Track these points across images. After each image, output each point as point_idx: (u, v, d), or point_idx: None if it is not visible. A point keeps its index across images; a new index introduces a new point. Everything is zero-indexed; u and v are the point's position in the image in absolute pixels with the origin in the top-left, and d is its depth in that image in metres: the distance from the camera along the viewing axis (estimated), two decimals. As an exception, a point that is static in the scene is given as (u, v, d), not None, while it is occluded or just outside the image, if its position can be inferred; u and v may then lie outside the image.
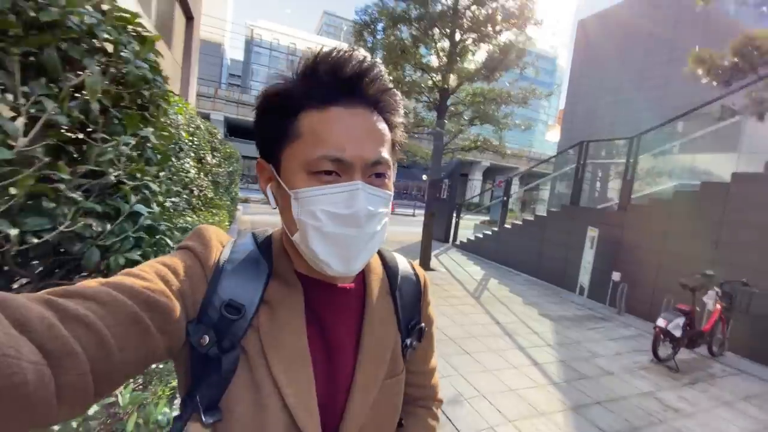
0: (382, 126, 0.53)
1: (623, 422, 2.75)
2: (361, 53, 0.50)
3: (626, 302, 5.46)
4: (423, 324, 0.66)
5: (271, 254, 0.56)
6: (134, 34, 1.19)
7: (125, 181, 1.12)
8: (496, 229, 8.96)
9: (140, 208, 1.15)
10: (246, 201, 15.44)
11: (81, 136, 1.00)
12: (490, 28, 6.47)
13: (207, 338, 0.47)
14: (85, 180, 1.02)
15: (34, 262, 1.06)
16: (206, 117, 22.50)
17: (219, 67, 64.53)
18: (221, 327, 0.48)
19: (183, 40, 8.45)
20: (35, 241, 0.93)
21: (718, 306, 4.13)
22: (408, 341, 0.63)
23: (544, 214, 7.62)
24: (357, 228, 0.50)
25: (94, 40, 1.00)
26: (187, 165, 3.52)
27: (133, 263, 1.12)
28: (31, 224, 0.91)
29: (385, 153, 0.52)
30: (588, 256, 5.96)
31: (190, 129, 3.92)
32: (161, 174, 1.45)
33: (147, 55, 1.17)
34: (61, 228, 0.95)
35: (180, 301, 0.46)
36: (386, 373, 0.58)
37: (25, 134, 0.84)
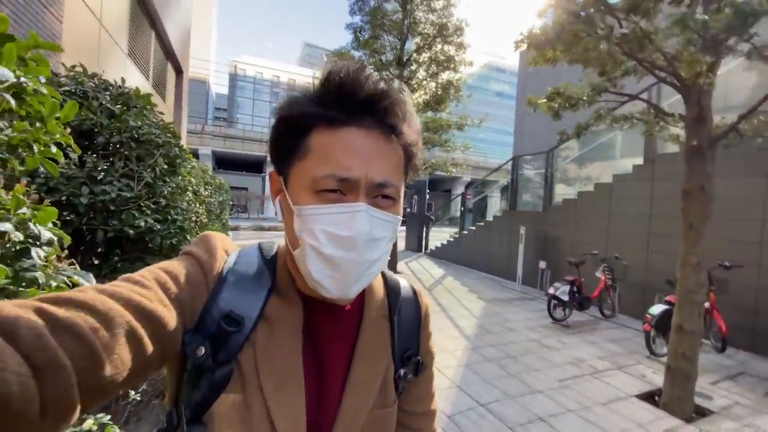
0: (394, 148, 0.51)
1: (503, 353, 3.93)
2: (376, 75, 0.50)
3: (549, 284, 6.69)
4: (420, 357, 0.63)
5: (275, 268, 0.56)
6: (168, 129, 2.42)
7: (170, 203, 2.33)
8: (457, 235, 10.22)
9: (177, 218, 2.37)
10: (236, 228, 16.56)
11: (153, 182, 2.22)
12: (431, 70, 7.94)
13: (203, 349, 0.46)
14: (154, 204, 2.23)
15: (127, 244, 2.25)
16: (195, 153, 23.70)
17: (205, 102, 66.42)
18: (218, 339, 0.47)
19: (174, 91, 9.79)
20: (131, 232, 2.13)
21: (603, 277, 5.37)
22: (402, 372, 0.60)
23: (492, 219, 8.92)
24: (355, 252, 0.48)
25: (158, 139, 2.23)
26: (188, 197, 4.73)
27: (173, 246, 2.31)
28: (128, 222, 2.11)
29: (394, 176, 0.51)
30: (521, 250, 7.21)
31: (187, 168, 5.15)
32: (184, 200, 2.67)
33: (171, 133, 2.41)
34: (144, 226, 2.15)
35: (178, 309, 0.46)
36: (376, 403, 0.56)
37: (136, 188, 2.05)
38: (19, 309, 0.32)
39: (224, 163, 33.65)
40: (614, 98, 4.12)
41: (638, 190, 5.61)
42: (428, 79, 8.13)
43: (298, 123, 0.51)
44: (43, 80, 1.03)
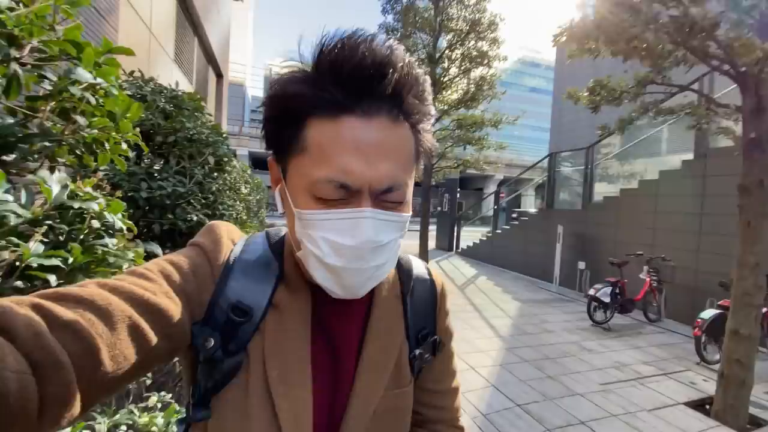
0: (403, 136, 0.46)
1: (540, 354, 3.84)
2: (382, 41, 0.43)
3: (589, 285, 6.43)
4: (437, 336, 0.61)
5: (283, 256, 0.54)
6: (217, 130, 2.56)
7: (218, 199, 2.47)
8: (490, 234, 10.03)
9: (225, 212, 2.49)
10: (272, 226, 17.07)
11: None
12: (463, 67, 7.85)
13: (212, 341, 0.45)
14: (204, 200, 2.36)
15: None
16: (233, 153, 24.67)
17: (242, 105, 68.93)
18: (227, 329, 0.46)
19: (215, 94, 10.25)
20: (183, 225, 2.26)
21: (648, 279, 5.10)
22: (417, 352, 0.58)
23: (527, 218, 8.68)
24: (360, 261, 0.45)
25: (208, 139, 2.36)
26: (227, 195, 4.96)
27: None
28: (181, 216, 2.24)
29: (402, 173, 0.46)
30: (558, 250, 6.97)
31: (231, 167, 5.40)
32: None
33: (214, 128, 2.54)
34: (195, 220, 2.28)
35: (184, 301, 0.45)
36: (390, 384, 0.55)
37: (188, 184, 2.19)
38: (18, 306, 0.32)
39: (260, 163, 34.81)
40: (661, 90, 3.91)
41: (688, 187, 5.28)
42: (461, 75, 8.03)
43: (292, 109, 0.45)
44: (115, 82, 1.13)
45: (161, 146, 2.12)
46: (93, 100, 0.98)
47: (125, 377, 0.37)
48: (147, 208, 2.10)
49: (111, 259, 1.01)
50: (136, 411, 1.14)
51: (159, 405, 1.21)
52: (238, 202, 6.11)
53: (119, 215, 1.11)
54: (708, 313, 3.75)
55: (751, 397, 2.79)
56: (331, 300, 0.51)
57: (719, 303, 3.87)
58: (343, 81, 0.42)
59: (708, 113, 3.74)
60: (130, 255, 1.16)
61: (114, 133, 1.16)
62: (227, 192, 2.58)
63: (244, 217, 6.50)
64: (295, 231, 0.48)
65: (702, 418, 2.82)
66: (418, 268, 0.64)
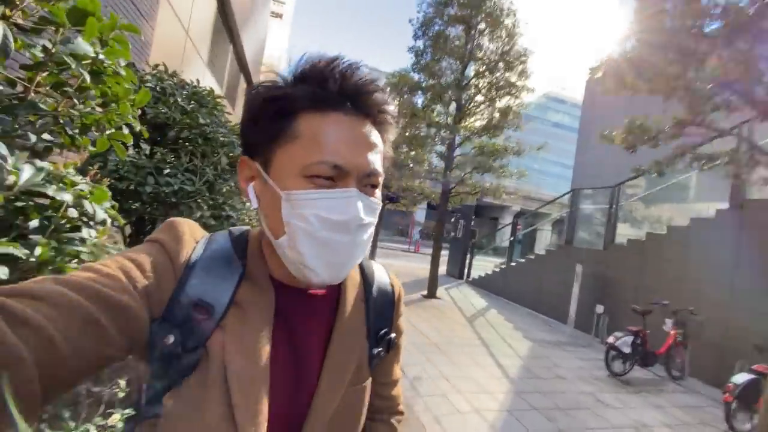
0: (378, 136, 0.53)
1: (551, 403, 3.53)
2: (366, 68, 0.51)
3: (606, 331, 6.05)
4: (393, 335, 0.65)
5: (246, 254, 0.55)
6: (234, 130, 2.48)
7: (226, 202, 2.36)
8: (504, 266, 9.72)
9: (231, 215, 2.39)
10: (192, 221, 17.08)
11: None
12: (490, 95, 7.79)
13: (172, 337, 0.45)
14: (212, 201, 2.26)
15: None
16: (254, 161, 25.11)
17: (268, 115, 70.78)
18: (187, 327, 0.47)
19: (244, 101, 10.46)
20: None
21: (672, 331, 4.75)
22: (376, 351, 0.62)
23: (544, 253, 8.37)
24: (348, 235, 0.49)
25: (224, 138, 2.28)
26: (237, 198, 4.90)
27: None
28: (186, 214, 2.14)
29: (380, 165, 0.53)
30: (575, 290, 6.64)
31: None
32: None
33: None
34: (202, 220, 2.18)
35: (144, 298, 0.45)
36: (351, 380, 0.57)
37: (197, 183, 2.09)
38: None
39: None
40: (699, 133, 3.72)
41: (721, 238, 4.98)
42: (487, 103, 7.96)
43: (282, 105, 0.50)
44: (123, 63, 1.04)
45: (175, 141, 2.04)
46: (88, 77, 0.88)
47: (84, 373, 0.38)
48: (153, 203, 2.01)
49: (85, 255, 0.88)
50: (93, 429, 0.99)
51: (121, 425, 1.05)
52: (249, 206, 6.06)
53: (104, 205, 0.99)
54: (741, 378, 3.41)
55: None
56: (295, 298, 0.56)
57: (753, 367, 3.52)
58: (332, 86, 0.49)
59: (751, 161, 3.52)
60: (112, 251, 1.04)
61: (114, 117, 1.05)
62: (237, 195, 2.48)
63: (255, 224, 6.43)
64: (282, 214, 0.49)
65: (734, 501, 2.48)
66: (380, 272, 0.68)
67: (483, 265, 11.85)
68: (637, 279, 6.00)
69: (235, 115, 9.26)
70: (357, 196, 0.50)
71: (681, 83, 3.24)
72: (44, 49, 0.80)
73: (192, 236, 0.53)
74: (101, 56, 0.93)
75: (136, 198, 1.89)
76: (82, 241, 0.84)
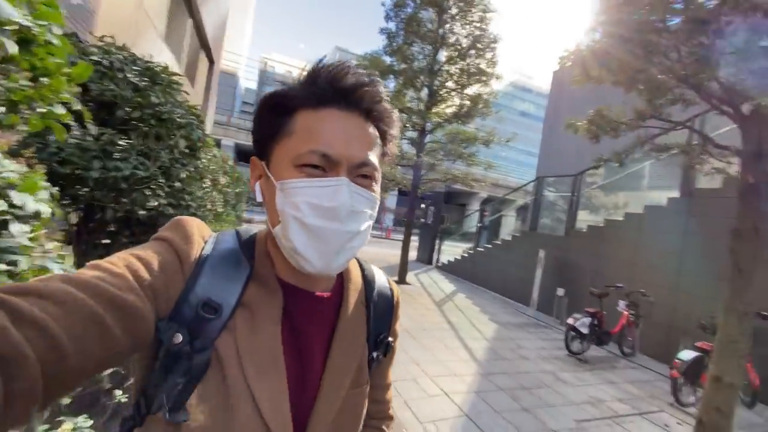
0: (373, 132, 0.54)
1: (516, 383, 3.68)
2: (361, 70, 0.53)
3: (566, 313, 6.37)
4: (390, 339, 0.67)
5: (253, 255, 0.56)
6: (192, 111, 2.31)
7: (185, 188, 2.21)
8: (471, 251, 9.95)
9: (191, 204, 2.24)
10: (250, 221, 16.60)
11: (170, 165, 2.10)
12: (461, 81, 7.78)
13: (180, 336, 0.45)
14: (168, 187, 2.11)
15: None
16: (217, 143, 24.00)
17: (233, 95, 67.81)
18: (195, 326, 0.47)
19: (205, 79, 9.88)
20: (141, 212, 2.00)
21: (625, 312, 5.06)
22: (374, 354, 0.63)
23: (509, 239, 8.64)
24: (338, 222, 0.50)
25: (180, 120, 2.11)
26: (206, 184, 4.65)
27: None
28: (139, 202, 1.98)
29: (373, 156, 0.53)
30: (538, 274, 6.92)
31: (208, 156, 5.09)
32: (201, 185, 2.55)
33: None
34: (155, 208, 2.03)
35: (151, 297, 0.45)
36: (352, 383, 0.58)
37: (151, 167, 1.94)
38: None
39: (246, 156, 34.06)
40: (657, 125, 3.88)
41: (671, 225, 5.30)
42: (458, 90, 7.97)
43: (283, 104, 0.53)
44: (57, 30, 0.91)
45: (125, 122, 1.86)
46: (14, 47, 0.75)
47: (88, 372, 0.38)
48: (100, 190, 1.84)
49: (22, 265, 0.77)
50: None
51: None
52: (215, 193, 5.79)
53: (40, 195, 0.87)
54: (686, 355, 3.69)
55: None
56: (301, 300, 0.56)
57: (697, 345, 3.82)
58: (333, 83, 0.52)
59: (703, 153, 3.73)
60: (49, 246, 0.92)
61: (48, 93, 0.93)
62: (198, 181, 2.34)
63: (220, 209, 6.17)
64: (276, 204, 0.51)
65: (677, 467, 2.70)
66: (380, 277, 0.70)
67: (452, 250, 12.08)
68: (595, 263, 6.32)
69: (196, 94, 8.74)
70: (346, 184, 0.50)
71: (642, 76, 3.34)
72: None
73: (200, 235, 0.54)
74: (27, 22, 0.80)
75: (83, 184, 1.72)
76: (10, 247, 0.72)
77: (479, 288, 8.85)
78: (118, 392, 1.50)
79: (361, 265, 0.69)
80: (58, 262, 0.89)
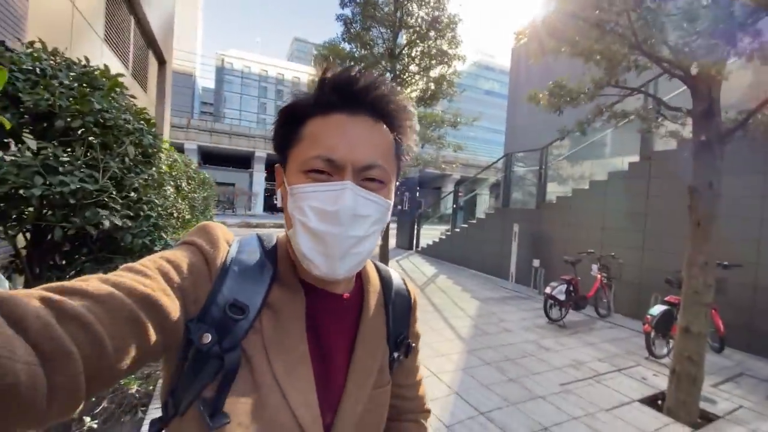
0: (383, 133, 0.54)
1: (501, 355, 3.79)
2: (374, 74, 0.54)
3: (543, 283, 6.59)
4: (410, 340, 0.68)
5: (276, 258, 0.58)
6: (141, 115, 2.18)
7: (142, 198, 2.09)
8: (449, 233, 10.08)
9: (151, 214, 2.13)
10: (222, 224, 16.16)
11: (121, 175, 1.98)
12: (423, 64, 7.74)
13: (209, 336, 0.46)
14: (123, 199, 1.99)
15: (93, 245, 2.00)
16: (179, 148, 23.08)
17: (191, 96, 65.03)
18: (223, 326, 0.48)
19: (156, 82, 9.38)
20: (94, 231, 1.88)
21: (598, 275, 5.28)
22: (395, 355, 0.65)
23: (484, 217, 8.80)
24: (340, 226, 0.50)
25: (128, 126, 1.98)
26: (168, 192, 4.45)
27: (145, 246, 2.07)
28: (91, 219, 1.86)
29: (381, 159, 0.53)
30: (514, 248, 7.10)
31: (168, 162, 4.86)
32: (158, 195, 2.42)
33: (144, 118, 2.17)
34: (115, 222, 1.91)
35: (180, 299, 0.46)
36: (374, 384, 0.59)
37: (101, 179, 1.81)
38: (26, 299, 0.33)
39: (211, 158, 32.94)
40: (614, 93, 3.99)
41: (634, 188, 5.53)
42: (421, 73, 7.93)
43: (295, 113, 0.55)
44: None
45: (65, 133, 1.72)
46: None
47: (125, 370, 0.39)
48: (46, 208, 1.71)
49: None
50: None
51: None
52: (180, 201, 5.55)
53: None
54: (656, 310, 3.89)
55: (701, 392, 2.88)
56: (323, 301, 0.58)
57: (666, 299, 4.03)
58: (339, 89, 0.52)
59: (655, 117, 3.87)
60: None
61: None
62: (155, 188, 2.22)
63: (188, 216, 5.94)
64: (288, 208, 0.54)
65: (656, 415, 2.86)
66: (397, 280, 0.71)
67: (430, 233, 12.20)
68: (567, 232, 6.53)
69: (149, 99, 8.30)
70: (350, 188, 0.50)
71: (597, 47, 3.40)
72: None
73: (225, 239, 0.56)
74: None
75: (22, 203, 1.59)
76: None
77: (459, 267, 9.01)
78: (87, 419, 1.42)
79: (377, 267, 0.70)
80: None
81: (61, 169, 1.66)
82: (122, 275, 0.43)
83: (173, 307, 0.44)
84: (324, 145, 0.51)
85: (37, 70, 1.79)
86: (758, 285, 4.19)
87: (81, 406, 0.35)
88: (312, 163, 0.51)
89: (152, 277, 0.45)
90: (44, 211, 1.72)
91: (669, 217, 5.02)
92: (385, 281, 0.68)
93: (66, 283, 0.38)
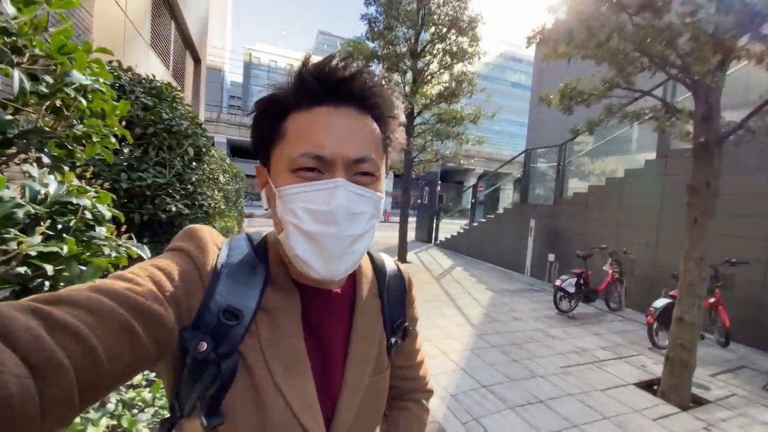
0: (370, 125, 0.53)
1: (507, 340, 4.08)
2: (350, 61, 0.51)
3: (558, 276, 6.76)
4: (407, 323, 0.69)
5: (267, 258, 0.57)
6: (195, 120, 2.59)
7: (197, 190, 2.52)
8: (467, 227, 10.30)
9: (204, 203, 2.55)
10: (251, 216, 16.91)
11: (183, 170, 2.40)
12: (444, 62, 7.97)
13: (204, 344, 0.46)
14: (183, 191, 2.41)
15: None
16: (212, 142, 23.99)
17: (220, 90, 66.98)
18: (218, 333, 0.48)
19: (192, 80, 10.01)
20: (163, 216, 2.31)
21: (610, 270, 5.43)
22: (393, 340, 0.65)
23: (502, 212, 8.97)
24: (336, 226, 0.49)
25: (187, 130, 2.40)
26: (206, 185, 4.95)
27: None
28: (161, 206, 2.29)
29: (371, 152, 0.52)
30: (530, 243, 7.28)
31: (208, 156, 5.37)
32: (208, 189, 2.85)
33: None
34: (180, 209, 2.34)
35: (173, 307, 0.45)
36: (373, 370, 0.60)
37: (168, 175, 2.24)
38: (15, 310, 0.32)
39: (239, 151, 34.08)
40: (627, 94, 4.14)
41: (649, 185, 5.62)
42: (442, 70, 8.16)
43: (275, 107, 0.52)
44: (102, 81, 1.20)
45: (141, 137, 2.15)
46: (84, 101, 1.05)
47: (119, 379, 0.39)
48: (127, 198, 2.15)
49: (105, 250, 1.09)
50: (122, 387, 1.23)
51: (144, 382, 1.30)
52: (216, 192, 6.08)
53: (106, 206, 1.18)
54: (660, 302, 4.06)
55: (695, 379, 3.09)
56: (316, 299, 0.57)
57: (671, 293, 4.18)
58: (322, 79, 0.50)
59: (667, 117, 4.00)
60: (120, 251, 1.24)
61: (102, 128, 1.22)
62: (206, 182, 2.63)
63: (223, 207, 6.48)
64: (277, 211, 0.52)
65: (649, 397, 3.10)
66: (390, 264, 0.71)
67: (450, 227, 12.41)
68: (582, 228, 6.66)
69: (185, 95, 8.90)
70: (343, 185, 0.49)
71: (606, 49, 3.59)
72: (47, 84, 0.97)
73: (213, 243, 0.54)
74: (87, 81, 1.09)
75: (115, 195, 2.02)
76: (97, 238, 1.04)
77: (476, 261, 9.24)
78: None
79: (370, 255, 0.69)
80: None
81: (136, 166, 2.10)
82: (113, 284, 0.42)
83: (166, 314, 0.43)
84: (311, 142, 0.49)
85: (116, 85, 2.23)
86: (766, 282, 4.27)
87: (77, 418, 0.36)
88: (299, 161, 0.49)
89: (144, 285, 0.43)
90: (126, 201, 2.16)
91: (680, 215, 5.10)
92: (379, 269, 0.68)
93: (55, 294, 0.37)
